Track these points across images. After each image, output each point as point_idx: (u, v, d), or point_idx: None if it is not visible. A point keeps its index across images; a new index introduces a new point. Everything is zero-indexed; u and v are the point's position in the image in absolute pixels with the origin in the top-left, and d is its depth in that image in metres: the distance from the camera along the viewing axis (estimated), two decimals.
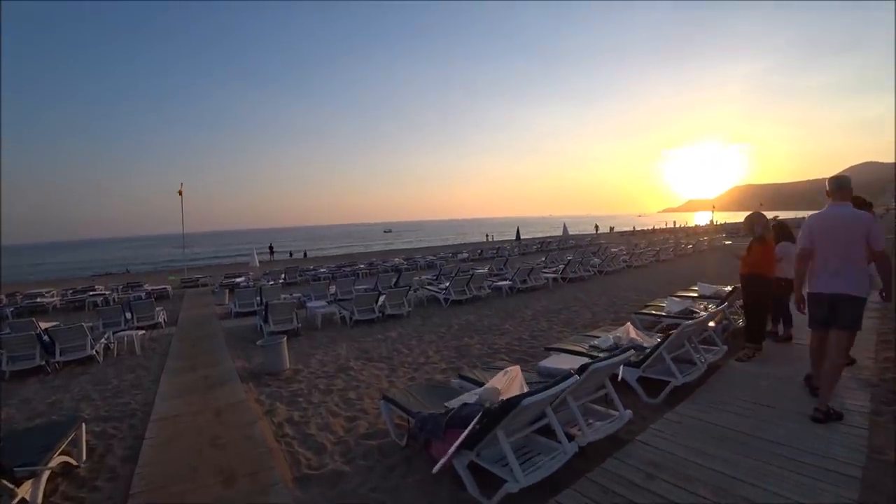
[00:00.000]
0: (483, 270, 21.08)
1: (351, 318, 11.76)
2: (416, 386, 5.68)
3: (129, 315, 12.63)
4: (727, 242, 33.39)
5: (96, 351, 9.47)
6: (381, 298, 12.38)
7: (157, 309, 13.60)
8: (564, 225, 47.87)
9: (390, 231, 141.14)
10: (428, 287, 15.73)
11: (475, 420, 3.54)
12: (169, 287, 20.14)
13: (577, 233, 63.29)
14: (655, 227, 71.99)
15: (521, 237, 45.82)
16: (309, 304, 12.57)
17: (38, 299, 18.87)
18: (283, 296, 14.63)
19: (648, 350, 5.96)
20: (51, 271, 54.07)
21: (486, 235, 65.61)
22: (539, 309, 12.79)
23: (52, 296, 21.20)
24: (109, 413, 6.37)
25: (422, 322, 11.93)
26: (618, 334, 6.99)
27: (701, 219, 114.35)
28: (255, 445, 4.90)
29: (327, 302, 13.48)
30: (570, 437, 4.00)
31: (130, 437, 5.48)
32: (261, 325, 11.07)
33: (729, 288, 9.05)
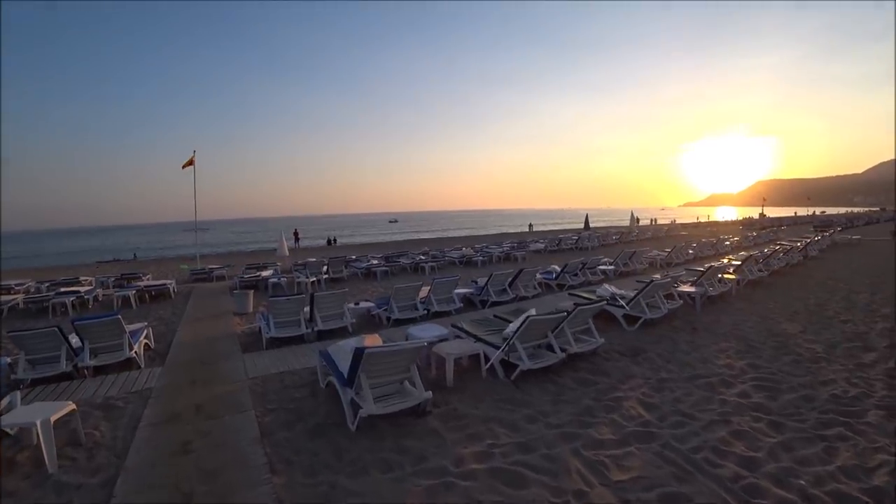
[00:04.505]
0: (608, 266, 15.07)
1: (510, 364, 5.81)
2: None
3: (79, 342, 6.79)
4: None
5: None
6: (562, 323, 6.35)
7: (137, 327, 7.76)
8: (633, 213, 41.52)
9: (396, 221, 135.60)
10: (579, 296, 9.67)
11: None
12: (172, 283, 14.36)
13: (601, 225, 57.15)
14: (701, 220, 65.55)
15: (574, 228, 39.59)
16: (412, 332, 6.53)
17: None
18: (350, 305, 8.65)
19: None
20: (52, 257, 49.21)
21: (530, 225, 59.35)
22: (818, 339, 7.58)
23: (28, 290, 15.76)
24: None
25: (649, 371, 6.12)
26: None
27: (723, 214, 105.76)
28: None
29: (421, 312, 7.49)
30: None
31: None
32: (336, 384, 5.07)
33: None
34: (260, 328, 8.00)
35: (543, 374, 6.13)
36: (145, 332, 7.77)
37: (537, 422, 4.82)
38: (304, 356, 6.91)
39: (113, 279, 16.98)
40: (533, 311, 7.12)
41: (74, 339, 6.86)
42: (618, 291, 9.95)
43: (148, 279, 16.89)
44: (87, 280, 16.80)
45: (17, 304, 13.16)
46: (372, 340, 4.84)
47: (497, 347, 6.21)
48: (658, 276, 13.01)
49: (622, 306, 8.61)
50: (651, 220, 63.09)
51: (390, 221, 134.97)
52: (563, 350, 6.27)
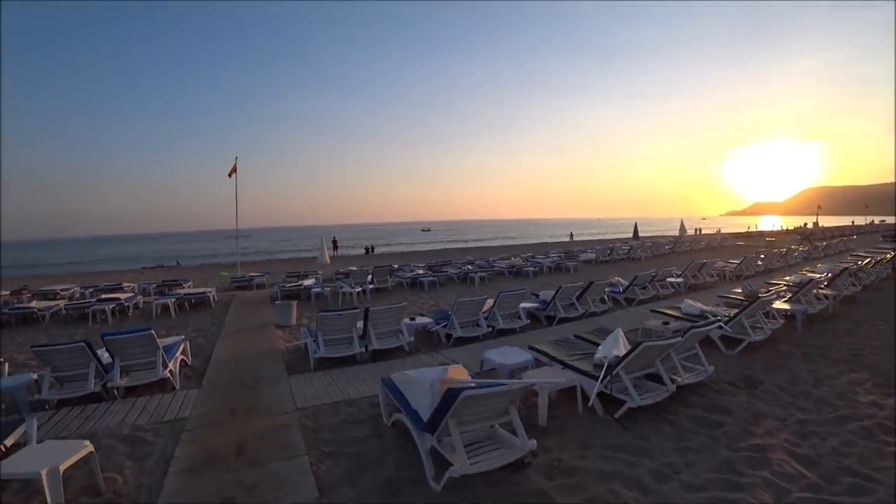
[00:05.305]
0: (676, 279, 13.65)
1: (607, 397, 4.70)
2: None
3: (109, 358, 6.05)
4: None
5: None
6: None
7: (173, 341, 7.03)
8: (682, 222, 39.33)
9: (429, 230, 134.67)
10: (663, 313, 8.44)
11: None
12: (212, 291, 13.78)
13: (646, 235, 54.27)
14: (751, 229, 62.02)
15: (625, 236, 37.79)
16: (490, 357, 5.47)
17: (33, 304, 12.94)
18: (405, 320, 7.62)
19: None
20: (106, 262, 50.62)
21: (570, 235, 57.54)
22: None
23: (72, 296, 15.68)
24: None
25: (779, 409, 5.01)
26: None
27: (770, 223, 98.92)
28: None
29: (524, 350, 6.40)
30: None
31: None
32: (407, 424, 4.05)
33: None
34: (306, 345, 7.09)
35: (652, 410, 4.97)
36: (182, 346, 6.99)
37: (669, 480, 3.70)
38: (360, 381, 5.92)
39: (154, 286, 16.67)
40: (620, 331, 6.02)
41: (105, 355, 6.13)
42: (705, 308, 8.74)
43: (189, 286, 16.47)
44: (129, 286, 16.55)
45: (60, 310, 12.83)
46: (456, 372, 3.81)
47: (593, 377, 5.09)
48: (738, 289, 11.56)
49: (720, 326, 7.33)
50: (695, 230, 59.95)
51: (423, 230, 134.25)
52: (671, 382, 5.10)
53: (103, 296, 13.55)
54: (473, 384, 3.48)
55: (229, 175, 20.43)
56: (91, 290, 16.21)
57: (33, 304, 12.98)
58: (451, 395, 3.19)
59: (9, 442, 4.11)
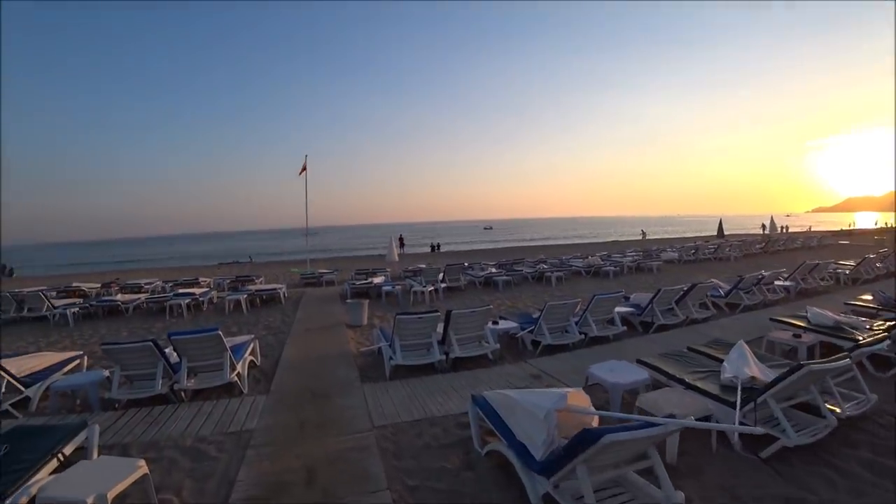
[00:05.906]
0: (784, 282, 12.00)
1: (750, 434, 3.68)
2: None
3: (177, 359, 5.73)
4: None
5: None
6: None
7: (242, 340, 6.67)
8: (772, 218, 36.05)
9: (491, 228, 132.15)
10: (783, 321, 7.13)
11: None
12: (282, 288, 13.69)
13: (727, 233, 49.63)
14: (853, 227, 55.48)
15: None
16: (597, 373, 4.56)
17: (119, 297, 13.40)
18: (488, 325, 6.79)
19: None
20: (195, 259, 53.88)
21: (643, 233, 54.40)
22: None
23: (155, 290, 16.21)
24: None
25: None
26: None
27: (864, 220, 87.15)
28: None
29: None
30: None
31: None
32: (511, 459, 3.26)
33: None
34: (380, 349, 6.48)
35: (809, 450, 3.87)
36: (251, 346, 6.60)
37: None
38: (442, 395, 5.19)
39: (228, 281, 16.96)
40: (744, 345, 4.94)
41: (174, 354, 5.83)
42: (841, 318, 7.25)
43: (261, 282, 16.61)
44: (205, 282, 16.92)
45: (142, 303, 13.20)
46: (576, 399, 2.98)
47: (727, 403, 4.08)
48: (865, 296, 9.79)
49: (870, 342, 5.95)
50: (781, 228, 54.64)
51: (485, 228, 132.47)
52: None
53: (180, 290, 13.82)
54: (596, 417, 2.63)
55: (299, 174, 20.61)
56: (171, 284, 16.77)
57: (118, 297, 13.44)
58: (586, 438, 2.35)
59: (69, 449, 3.75)
